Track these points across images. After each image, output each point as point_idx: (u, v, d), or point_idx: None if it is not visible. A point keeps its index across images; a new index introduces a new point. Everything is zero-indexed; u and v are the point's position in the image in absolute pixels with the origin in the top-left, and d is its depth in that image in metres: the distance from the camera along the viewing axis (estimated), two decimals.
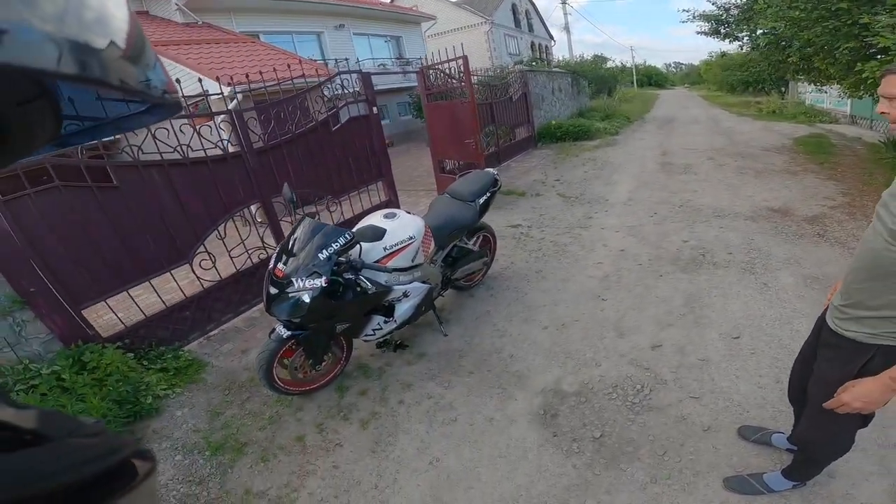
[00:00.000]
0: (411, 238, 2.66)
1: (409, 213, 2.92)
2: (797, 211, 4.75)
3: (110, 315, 3.13)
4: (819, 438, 1.48)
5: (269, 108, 4.07)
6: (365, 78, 5.09)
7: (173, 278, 3.33)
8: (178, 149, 3.31)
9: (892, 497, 1.67)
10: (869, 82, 5.30)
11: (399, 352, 2.96)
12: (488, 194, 3.36)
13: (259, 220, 4.13)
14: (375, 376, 2.79)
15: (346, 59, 12.62)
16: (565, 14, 28.94)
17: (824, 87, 9.72)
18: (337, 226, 2.41)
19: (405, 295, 2.68)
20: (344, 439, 2.34)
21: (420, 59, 16.44)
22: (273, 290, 2.26)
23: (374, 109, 5.24)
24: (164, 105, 0.33)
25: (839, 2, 5.72)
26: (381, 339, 2.84)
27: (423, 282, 2.81)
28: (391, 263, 2.55)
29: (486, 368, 2.73)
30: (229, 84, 5.41)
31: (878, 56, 4.97)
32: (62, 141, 0.36)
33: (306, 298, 2.16)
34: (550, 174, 7.62)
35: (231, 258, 3.66)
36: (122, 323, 3.10)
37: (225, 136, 3.76)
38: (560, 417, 2.28)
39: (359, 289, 2.32)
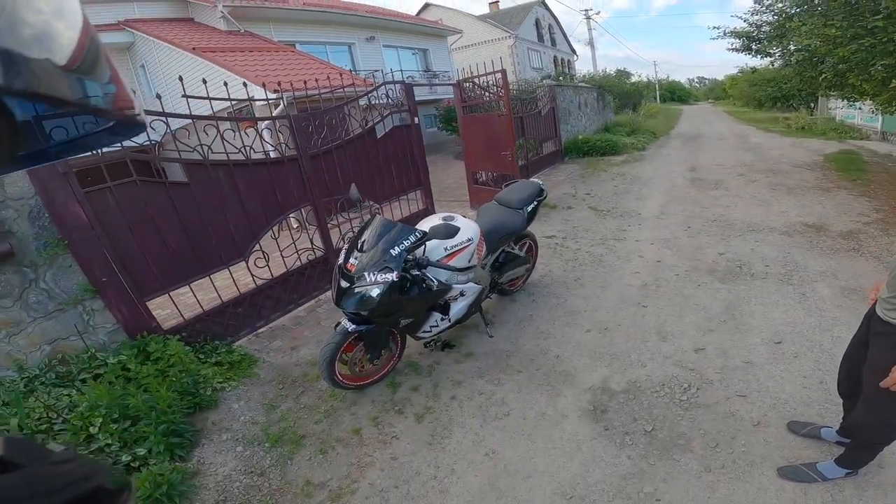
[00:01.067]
0: (469, 240, 2.83)
1: (464, 217, 3.11)
2: (831, 226, 4.79)
3: (170, 309, 3.29)
4: (874, 422, 1.59)
5: (323, 114, 4.32)
6: (408, 89, 5.35)
7: (230, 274, 3.49)
8: (242, 150, 3.52)
9: None
10: None
11: (447, 351, 3.09)
12: (535, 203, 3.54)
13: (309, 223, 4.35)
14: (426, 374, 2.91)
15: (378, 71, 13.14)
16: (589, 29, 29.07)
17: (857, 103, 9.67)
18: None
19: (461, 294, 2.85)
20: (400, 432, 2.43)
21: (447, 71, 16.85)
22: (344, 284, 2.40)
23: (416, 119, 5.49)
24: (125, 124, 0.32)
25: (876, 20, 5.78)
26: (431, 339, 2.97)
27: (477, 283, 2.98)
28: (452, 263, 2.71)
29: (534, 367, 2.85)
30: (276, 91, 5.75)
31: None
32: (21, 162, 0.35)
33: (375, 293, 2.30)
34: (580, 188, 7.73)
35: (283, 257, 3.85)
36: (182, 316, 3.25)
37: (269, 140, 3.99)
38: (610, 413, 2.39)
39: (424, 285, 2.47)
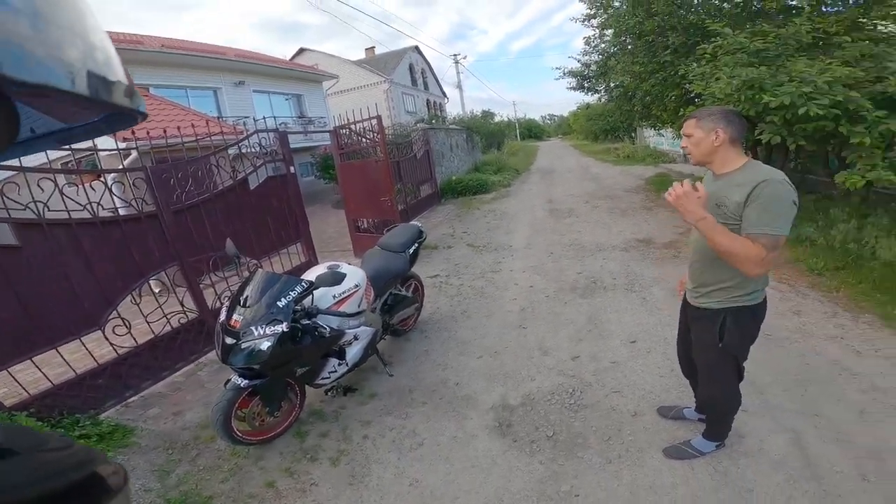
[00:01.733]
0: (357, 286, 2.91)
1: (349, 264, 3.17)
2: (657, 239, 5.94)
3: (12, 385, 2.84)
4: (716, 394, 1.98)
5: (186, 165, 4.03)
6: (282, 137, 5.18)
7: (83, 345, 3.08)
8: (88, 206, 3.15)
9: (793, 444, 2.18)
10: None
11: (349, 395, 3.09)
12: (416, 245, 3.76)
13: (177, 284, 3.96)
14: (332, 419, 2.88)
15: (248, 118, 12.54)
16: (458, 72, 31.54)
17: (661, 131, 12.09)
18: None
19: (355, 338, 2.90)
20: (318, 478, 2.39)
21: (323, 117, 16.76)
22: (229, 341, 2.33)
23: (292, 168, 5.38)
24: (125, 114, 0.32)
25: (665, 55, 7.30)
26: (332, 385, 2.96)
27: (369, 326, 3.04)
28: (342, 309, 2.76)
29: (438, 397, 2.99)
30: (126, 139, 5.17)
31: (696, 101, 6.19)
32: (18, 149, 0.35)
33: (265, 345, 2.26)
34: (457, 227, 8.23)
35: (148, 323, 3.48)
36: (27, 391, 2.83)
37: (120, 195, 3.63)
38: (514, 426, 2.61)
39: (316, 333, 2.50)
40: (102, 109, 0.31)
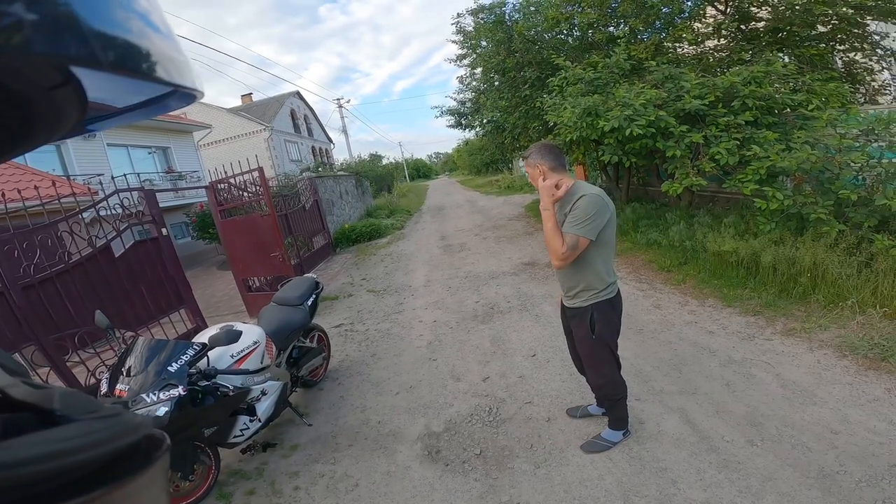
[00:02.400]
0: (256, 343, 2.80)
1: (244, 322, 3.01)
2: (540, 260, 6.61)
3: None
4: (600, 380, 2.28)
5: (32, 234, 3.50)
6: (149, 195, 4.74)
7: None
8: None
9: (685, 422, 2.50)
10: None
11: (269, 450, 2.91)
12: (314, 296, 3.70)
13: (38, 364, 3.34)
14: (256, 476, 2.72)
15: (101, 175, 11.06)
16: (342, 117, 31.17)
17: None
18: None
19: (263, 393, 2.77)
20: None
21: (196, 171, 15.46)
22: None
23: (164, 230, 4.92)
24: (186, 89, 0.33)
25: (525, 90, 8.17)
26: (249, 441, 2.80)
27: (276, 380, 2.91)
28: (243, 366, 2.64)
29: (362, 437, 2.96)
30: None
31: (553, 129, 6.69)
32: (85, 127, 0.36)
33: (161, 411, 2.12)
34: (355, 275, 8.12)
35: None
36: None
37: None
38: (443, 451, 2.68)
39: (219, 392, 2.38)
40: (162, 89, 0.32)
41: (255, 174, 6.09)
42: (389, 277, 7.49)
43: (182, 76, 0.31)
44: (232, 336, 2.38)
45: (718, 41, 6.94)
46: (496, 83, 9.99)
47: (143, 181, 13.01)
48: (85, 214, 4.14)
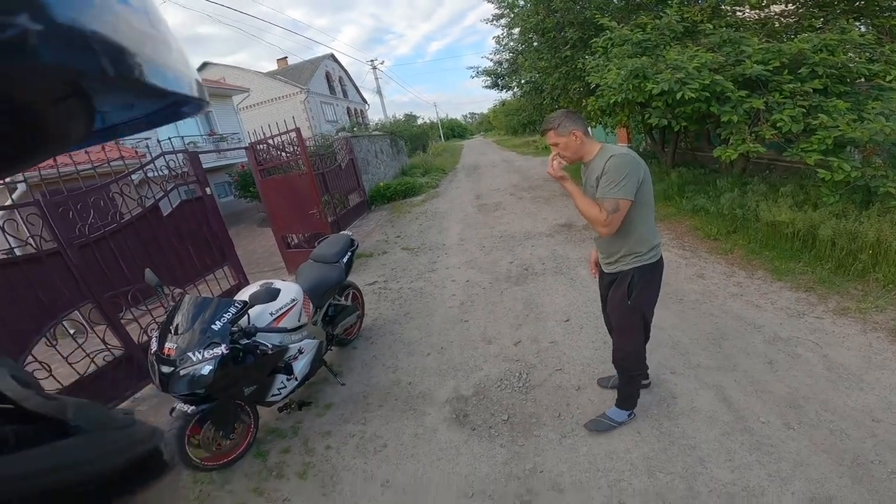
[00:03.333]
0: (293, 300, 2.87)
1: (284, 280, 3.10)
2: (577, 222, 6.40)
3: None
4: (625, 347, 2.15)
5: (86, 195, 3.70)
6: (193, 157, 4.91)
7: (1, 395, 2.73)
8: None
9: (720, 399, 2.40)
10: (592, 114, 7.18)
11: (305, 409, 3.05)
12: (350, 253, 3.75)
13: (95, 322, 3.63)
14: (291, 434, 2.84)
15: (149, 139, 11.55)
16: (376, 78, 31.41)
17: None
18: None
19: (300, 352, 2.87)
20: (289, 494, 2.37)
21: (236, 133, 15.92)
22: (165, 370, 2.26)
23: (208, 190, 5.11)
24: (193, 102, 0.32)
25: (566, 50, 7.83)
26: (286, 399, 2.92)
27: (313, 338, 3.02)
28: (281, 325, 2.73)
29: (393, 398, 3.04)
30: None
31: (595, 91, 6.47)
32: (94, 138, 0.36)
33: (206, 370, 2.21)
34: (390, 232, 8.23)
35: (70, 365, 3.22)
36: None
37: (11, 233, 3.28)
38: (471, 415, 2.72)
39: (259, 350, 2.46)
40: (170, 99, 0.32)
41: (293, 135, 6.20)
42: (423, 235, 7.52)
43: (187, 88, 0.30)
44: (271, 294, 2.44)
45: (786, 6, 6.33)
46: (535, 44, 9.61)
47: (188, 143, 13.59)
48: (134, 176, 4.33)
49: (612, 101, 5.71)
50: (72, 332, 3.39)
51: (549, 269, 4.80)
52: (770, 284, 3.70)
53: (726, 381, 2.60)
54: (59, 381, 3.13)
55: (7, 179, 4.14)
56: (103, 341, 3.50)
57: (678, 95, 4.59)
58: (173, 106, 0.35)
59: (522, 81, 11.56)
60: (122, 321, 3.77)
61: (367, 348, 3.81)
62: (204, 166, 5.06)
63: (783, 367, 2.64)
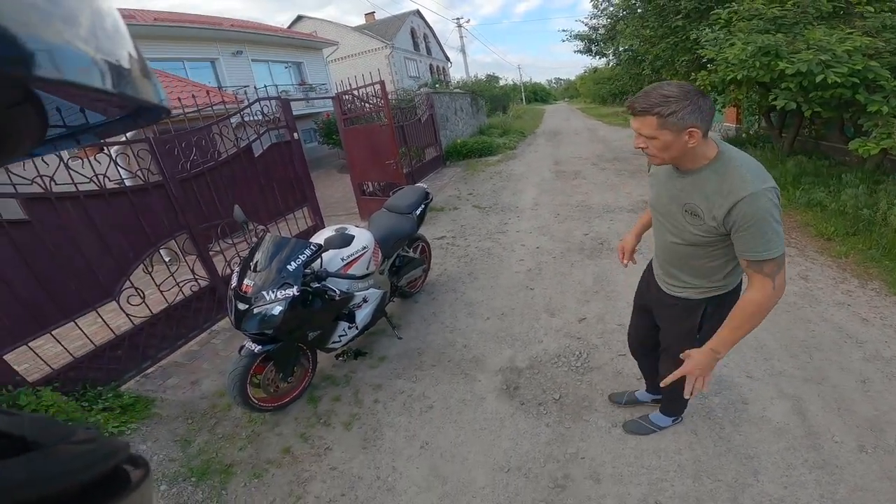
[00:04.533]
0: (365, 248, 2.92)
1: (357, 226, 3.18)
2: None
3: (34, 361, 2.90)
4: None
5: (189, 135, 4.02)
6: (284, 104, 5.16)
7: (100, 316, 3.14)
8: (95, 179, 3.16)
9: (796, 412, 2.18)
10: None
11: (360, 359, 3.13)
12: (423, 206, 3.74)
13: (187, 252, 4.02)
14: (343, 383, 2.93)
15: (247, 87, 12.33)
16: (461, 36, 30.86)
17: None
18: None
19: (364, 301, 2.93)
20: (332, 443, 2.44)
21: (324, 84, 16.50)
22: (241, 307, 2.34)
23: (296, 135, 5.36)
24: (151, 108, 0.32)
25: (676, 20, 7.09)
26: (342, 349, 3.01)
27: (378, 288, 3.08)
28: (350, 272, 2.78)
29: (447, 359, 3.03)
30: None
31: (707, 66, 6.09)
32: (45, 146, 0.35)
33: (277, 310, 2.28)
34: (463, 189, 8.19)
35: (161, 292, 3.55)
36: (49, 366, 2.89)
37: (125, 166, 3.64)
38: (522, 388, 2.64)
39: (326, 296, 2.51)
40: (128, 105, 0.31)
41: (377, 87, 6.25)
42: (496, 195, 7.38)
43: (147, 92, 0.29)
44: (346, 239, 2.47)
45: None
46: (639, 10, 8.79)
47: (281, 92, 14.27)
48: (232, 119, 4.65)
49: (729, 78, 5.18)
50: (167, 259, 3.74)
51: None
52: (884, 298, 3.15)
53: (809, 393, 2.32)
54: (149, 309, 3.44)
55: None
56: (192, 271, 3.84)
57: (818, 78, 4.12)
58: (129, 115, 0.34)
59: (620, 49, 10.64)
60: (210, 253, 4.14)
61: (429, 304, 3.85)
62: (294, 113, 5.30)
63: (876, 388, 2.30)
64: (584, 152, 11.11)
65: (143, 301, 3.35)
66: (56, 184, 2.92)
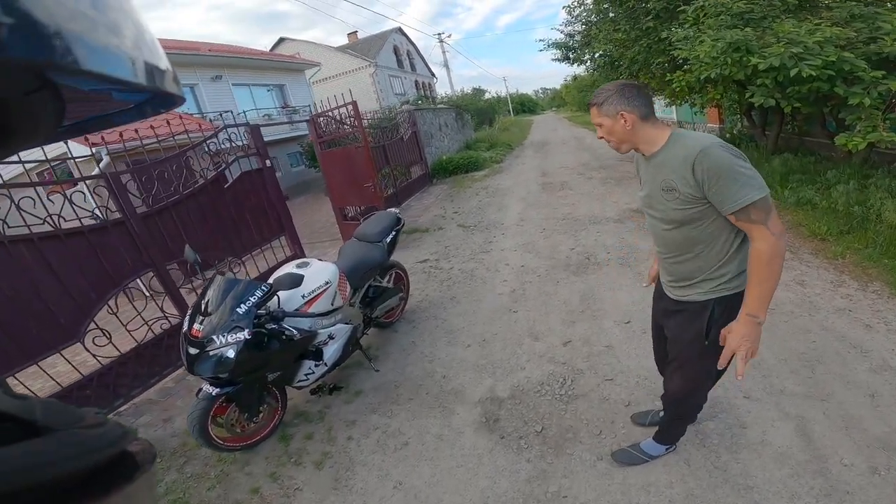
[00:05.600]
0: (327, 283, 2.75)
1: (320, 260, 3.00)
2: None
3: None
4: (686, 391, 1.72)
5: (151, 168, 3.87)
6: (254, 130, 5.03)
7: (64, 358, 3.04)
8: (49, 219, 3.05)
9: (800, 434, 2.00)
10: (678, 91, 6.50)
11: (335, 394, 2.98)
12: (394, 233, 3.57)
13: (155, 290, 3.83)
14: (317, 419, 2.79)
15: (228, 112, 12.26)
16: (444, 52, 31.16)
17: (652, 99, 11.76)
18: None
19: (331, 337, 2.76)
20: (302, 483, 2.32)
21: (308, 106, 16.47)
22: (193, 351, 2.24)
23: (268, 162, 5.19)
24: (166, 95, 0.32)
25: (647, 21, 7.05)
26: (314, 385, 2.86)
27: (346, 322, 2.90)
28: (312, 309, 2.63)
29: (424, 392, 2.86)
30: (94, 144, 4.97)
31: (683, 66, 6.09)
32: (62, 133, 0.35)
33: (230, 353, 2.17)
34: (448, 207, 8.04)
35: (129, 332, 3.43)
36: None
37: (97, 202, 3.50)
38: (502, 421, 2.47)
39: (284, 336, 2.38)
40: (145, 93, 0.32)
41: (350, 108, 6.14)
42: (482, 212, 7.25)
43: (163, 81, 0.30)
44: (295, 280, 2.34)
45: None
46: (610, 14, 8.85)
47: (263, 115, 14.26)
48: (209, 147, 4.50)
49: (703, 77, 5.09)
50: (136, 300, 3.59)
51: (615, 260, 4.31)
52: (887, 301, 2.96)
53: (813, 411, 2.13)
54: (117, 349, 3.32)
55: (94, 150, 4.44)
56: (161, 309, 3.67)
57: (792, 73, 4.02)
58: (144, 102, 0.34)
59: (596, 55, 10.68)
60: (185, 289, 3.97)
61: (408, 332, 3.66)
62: (277, 138, 5.28)
63: (886, 402, 2.11)
64: (570, 162, 11.03)
65: (110, 341, 3.25)
66: (8, 226, 2.81)
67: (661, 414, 2.16)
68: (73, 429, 0.28)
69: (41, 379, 3.03)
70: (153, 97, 0.33)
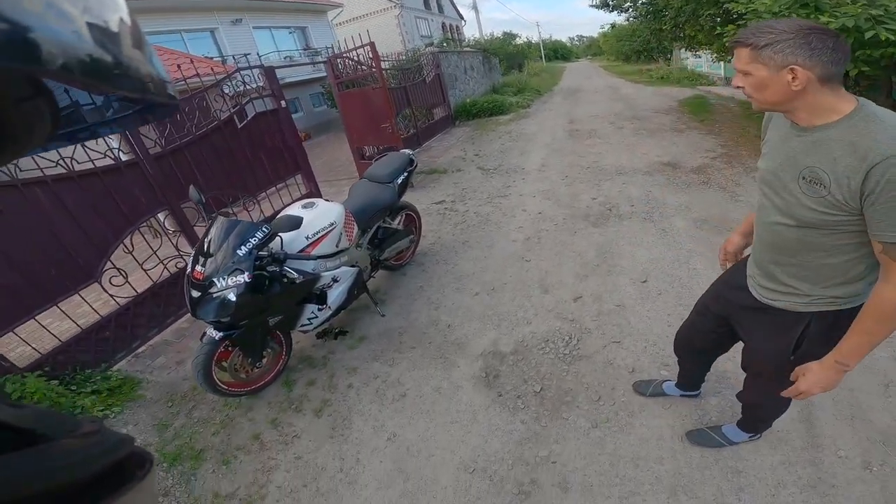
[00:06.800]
0: (332, 224, 2.68)
1: (327, 200, 2.93)
2: (684, 163, 5.35)
3: (23, 347, 2.93)
4: (764, 402, 1.58)
5: None
6: (268, 72, 4.90)
7: (83, 299, 3.11)
8: (61, 162, 3.04)
9: (802, 420, 1.88)
10: (730, 48, 5.92)
11: (340, 338, 2.98)
12: (405, 174, 3.44)
13: (172, 229, 3.89)
14: (320, 365, 2.80)
15: (248, 55, 12.00)
16: None
17: (698, 53, 10.79)
18: (254, 221, 2.39)
19: (335, 280, 2.71)
20: (301, 430, 2.35)
21: (329, 47, 15.96)
22: (195, 294, 2.21)
23: (283, 103, 5.09)
24: (163, 103, 0.31)
25: None
26: (319, 329, 2.85)
27: (352, 265, 2.86)
28: (315, 251, 2.57)
29: (427, 341, 2.83)
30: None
31: (738, 21, 5.53)
32: (58, 140, 0.35)
33: (231, 296, 2.13)
34: (469, 150, 7.84)
35: (145, 271, 3.47)
36: (38, 351, 2.90)
37: (113, 144, 3.49)
38: (501, 377, 2.42)
39: (286, 280, 2.32)
40: (142, 102, 0.32)
41: (368, 49, 5.89)
42: (503, 156, 7.03)
43: (157, 89, 0.30)
44: (294, 222, 2.27)
45: None
46: None
47: (285, 57, 13.94)
48: (225, 90, 4.40)
49: None
50: (154, 238, 3.63)
51: (638, 214, 4.08)
52: None
53: (822, 396, 1.94)
54: (134, 289, 3.36)
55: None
56: (176, 247, 3.72)
57: (867, 35, 3.57)
58: (140, 110, 0.34)
59: (638, 2, 9.76)
60: (198, 227, 4.00)
61: (417, 276, 3.62)
62: (300, 79, 5.19)
63: None
64: (601, 111, 10.38)
65: (127, 281, 3.29)
66: (21, 170, 2.82)
67: (665, 385, 2.09)
68: (70, 438, 0.28)
69: (60, 320, 3.06)
70: (149, 106, 0.33)
